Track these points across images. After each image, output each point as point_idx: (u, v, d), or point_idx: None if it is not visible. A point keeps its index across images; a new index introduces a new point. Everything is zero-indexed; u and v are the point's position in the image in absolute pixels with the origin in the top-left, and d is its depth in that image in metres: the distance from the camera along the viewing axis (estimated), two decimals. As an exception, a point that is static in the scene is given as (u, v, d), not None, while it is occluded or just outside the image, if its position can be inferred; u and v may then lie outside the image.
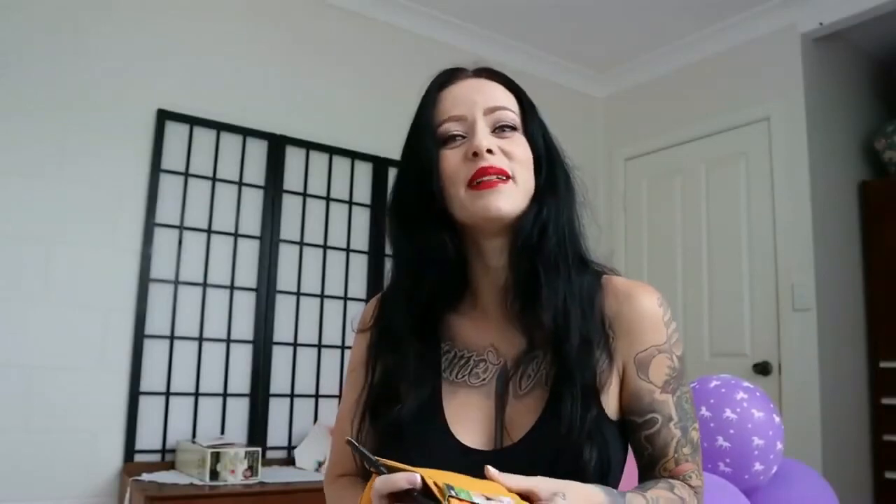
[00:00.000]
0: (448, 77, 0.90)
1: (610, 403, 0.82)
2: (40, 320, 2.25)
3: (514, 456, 0.78)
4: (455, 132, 0.83)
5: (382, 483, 0.62)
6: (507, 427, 0.81)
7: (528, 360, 0.83)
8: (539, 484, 0.67)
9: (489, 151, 0.80)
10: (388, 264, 0.92)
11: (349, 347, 2.83)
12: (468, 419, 0.82)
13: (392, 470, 0.63)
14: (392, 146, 3.32)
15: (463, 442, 0.81)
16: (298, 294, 2.76)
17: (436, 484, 0.60)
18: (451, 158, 0.82)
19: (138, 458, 2.35)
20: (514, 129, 0.84)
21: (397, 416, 0.81)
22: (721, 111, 3.31)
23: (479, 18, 3.30)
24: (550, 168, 0.86)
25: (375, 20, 3.13)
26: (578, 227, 0.87)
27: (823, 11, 2.95)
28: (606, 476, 0.79)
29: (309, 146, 2.85)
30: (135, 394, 2.37)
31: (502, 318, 0.86)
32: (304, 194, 2.83)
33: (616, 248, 3.77)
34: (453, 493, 0.59)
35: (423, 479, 0.60)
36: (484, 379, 0.84)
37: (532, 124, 0.87)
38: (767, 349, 2.99)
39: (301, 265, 2.78)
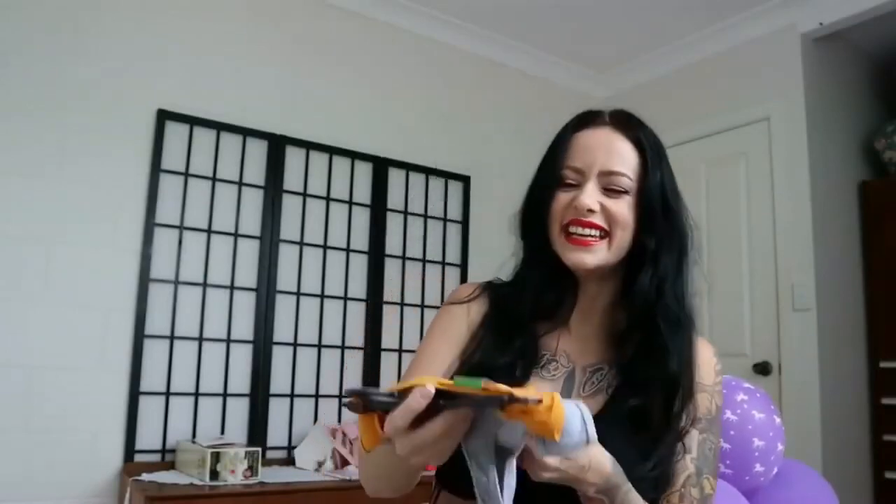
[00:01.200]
0: (584, 120, 0.97)
1: None
2: (40, 320, 2.25)
3: None
4: (570, 181, 0.92)
5: (400, 413, 0.62)
6: None
7: (595, 370, 0.92)
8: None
9: (590, 210, 0.88)
10: (515, 258, 1.00)
11: (350, 347, 2.85)
12: None
13: (402, 396, 0.62)
14: (392, 146, 3.33)
15: None
16: (298, 294, 2.75)
17: (444, 385, 0.60)
18: (561, 201, 0.91)
19: (138, 458, 2.35)
20: (625, 192, 0.90)
21: None
22: (721, 111, 3.31)
23: (479, 18, 3.30)
24: (668, 227, 0.92)
25: (375, 20, 3.13)
26: (692, 287, 0.95)
27: (823, 11, 2.95)
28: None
29: (309, 146, 2.85)
30: (135, 394, 2.37)
31: (579, 335, 0.95)
32: (304, 194, 2.83)
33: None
34: (463, 382, 0.60)
35: (436, 389, 0.60)
36: (554, 375, 0.93)
37: (651, 181, 0.91)
38: (767, 349, 2.99)
39: (301, 265, 2.78)
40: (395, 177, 3.09)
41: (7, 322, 2.20)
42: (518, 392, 0.58)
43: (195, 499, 2.03)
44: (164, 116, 2.53)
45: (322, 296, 2.81)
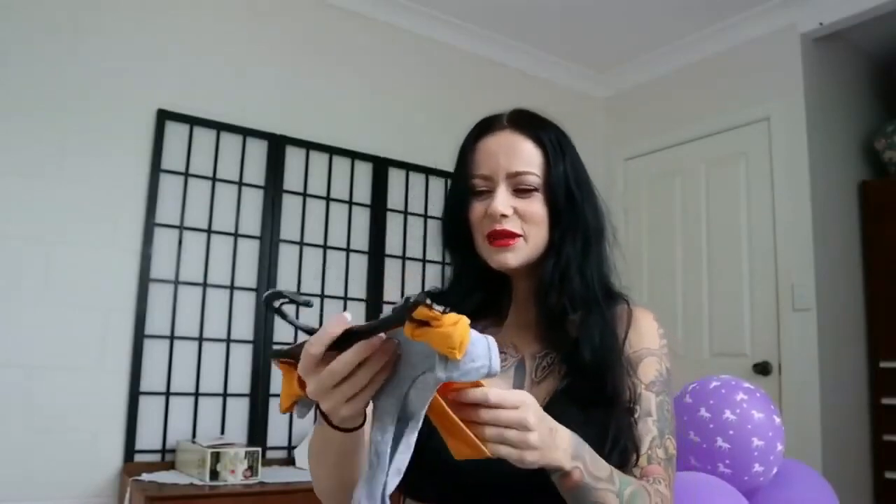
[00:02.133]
0: (483, 128, 0.99)
1: None
2: (40, 320, 2.25)
3: None
4: (481, 188, 0.96)
5: (316, 339, 0.61)
6: None
7: (543, 356, 0.95)
8: (524, 394, 0.69)
9: (503, 216, 0.92)
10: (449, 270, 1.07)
11: (349, 347, 2.84)
12: None
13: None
14: (392, 146, 3.33)
15: None
16: (298, 294, 2.75)
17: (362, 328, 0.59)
18: (477, 210, 0.96)
19: (138, 458, 2.35)
20: (533, 190, 0.94)
21: None
22: (721, 111, 3.31)
23: (479, 18, 3.30)
24: (572, 215, 0.95)
25: (375, 20, 3.13)
26: (605, 265, 0.98)
27: (823, 11, 2.95)
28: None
29: (309, 146, 2.85)
30: (135, 394, 2.37)
31: (520, 327, 1.00)
32: (304, 194, 2.83)
33: (616, 249, 3.76)
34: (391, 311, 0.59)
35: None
36: (504, 367, 0.95)
37: (555, 176, 0.95)
38: (767, 349, 2.99)
39: (301, 265, 2.78)
40: (395, 177, 3.09)
41: (7, 322, 2.20)
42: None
43: (195, 499, 2.03)
44: (164, 116, 2.53)
45: (322, 296, 2.81)
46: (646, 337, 0.95)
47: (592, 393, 0.87)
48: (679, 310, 3.38)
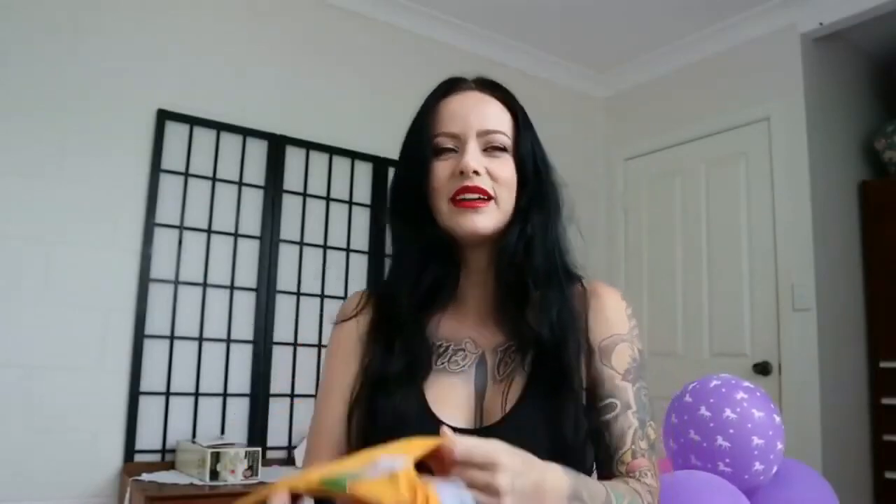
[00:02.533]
0: (449, 87, 0.93)
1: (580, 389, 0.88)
2: (40, 320, 2.25)
3: (493, 435, 0.79)
4: (447, 146, 0.88)
5: None
6: (487, 409, 0.86)
7: (504, 350, 0.89)
8: (497, 449, 0.63)
9: (475, 172, 0.85)
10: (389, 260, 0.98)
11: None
12: (449, 402, 0.86)
13: None
14: (392, 146, 3.32)
15: (445, 421, 0.84)
16: (298, 294, 2.75)
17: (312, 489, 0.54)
18: (441, 171, 0.87)
19: (138, 458, 2.35)
20: (504, 150, 0.89)
21: (385, 401, 0.85)
22: (721, 111, 3.31)
23: (479, 18, 3.30)
24: (538, 186, 0.91)
25: (375, 20, 3.13)
26: (565, 242, 0.93)
27: (823, 11, 2.95)
28: (584, 449, 0.84)
29: (309, 146, 2.85)
30: (135, 394, 2.37)
31: (479, 315, 0.92)
32: (304, 194, 2.83)
33: (616, 249, 3.77)
34: (331, 482, 0.54)
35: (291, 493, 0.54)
36: (463, 366, 0.89)
37: (524, 143, 0.91)
38: (767, 349, 2.99)
39: (301, 265, 2.78)
40: (395, 177, 3.09)
41: (7, 322, 2.20)
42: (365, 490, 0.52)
43: (195, 499, 2.03)
44: (164, 116, 2.53)
45: (322, 296, 2.81)
46: (615, 321, 0.90)
47: (559, 378, 0.84)
48: (679, 310, 3.38)
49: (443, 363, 0.89)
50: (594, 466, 0.88)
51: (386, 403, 0.85)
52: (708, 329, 3.25)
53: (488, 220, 0.86)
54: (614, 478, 0.84)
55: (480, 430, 0.83)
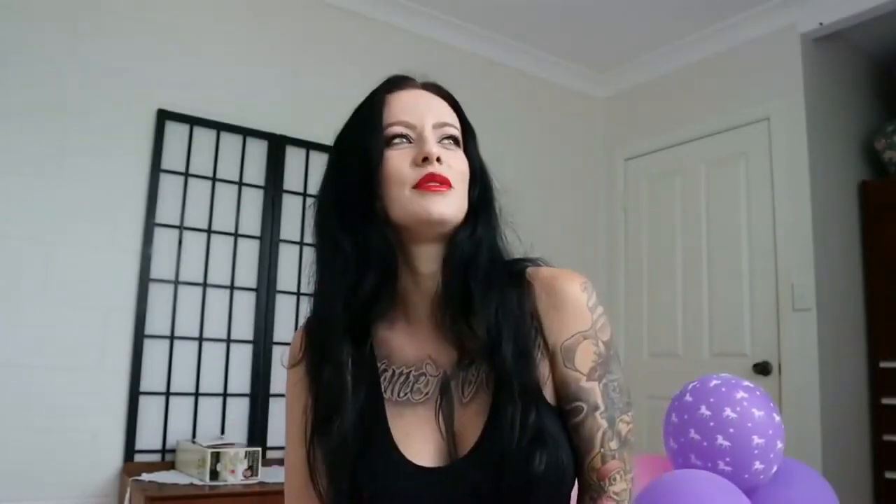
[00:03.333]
0: (397, 84, 0.91)
1: (549, 395, 0.83)
2: (40, 320, 2.25)
3: (464, 469, 0.78)
4: (401, 133, 0.84)
5: None
6: (458, 436, 0.81)
7: (466, 366, 0.83)
8: None
9: (439, 160, 0.82)
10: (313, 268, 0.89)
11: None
12: (417, 437, 0.82)
13: None
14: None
15: (414, 461, 0.80)
16: (298, 294, 2.75)
17: None
18: (396, 160, 0.82)
19: (138, 458, 2.35)
20: (458, 143, 0.88)
21: (340, 432, 0.80)
22: (721, 111, 3.31)
23: (479, 18, 3.30)
24: (484, 187, 0.89)
25: (375, 20, 3.13)
26: (505, 244, 0.90)
27: (823, 11, 2.95)
28: (562, 479, 0.79)
29: (309, 146, 2.85)
30: (135, 394, 2.37)
31: (434, 328, 0.85)
32: (304, 194, 2.83)
33: (616, 249, 3.77)
34: None
35: None
36: (427, 393, 0.84)
37: (470, 143, 0.90)
38: (767, 349, 2.99)
39: (301, 265, 2.78)
40: (395, 177, 3.09)
41: (7, 322, 2.20)
42: None
43: (195, 499, 2.02)
44: (164, 116, 2.53)
45: (322, 296, 2.81)
46: (575, 318, 0.83)
47: (521, 386, 0.79)
48: (679, 310, 3.38)
49: (405, 394, 0.84)
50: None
51: (351, 446, 0.79)
52: (708, 329, 3.25)
53: (453, 207, 0.82)
54: (587, 487, 0.83)
55: (454, 465, 0.79)
